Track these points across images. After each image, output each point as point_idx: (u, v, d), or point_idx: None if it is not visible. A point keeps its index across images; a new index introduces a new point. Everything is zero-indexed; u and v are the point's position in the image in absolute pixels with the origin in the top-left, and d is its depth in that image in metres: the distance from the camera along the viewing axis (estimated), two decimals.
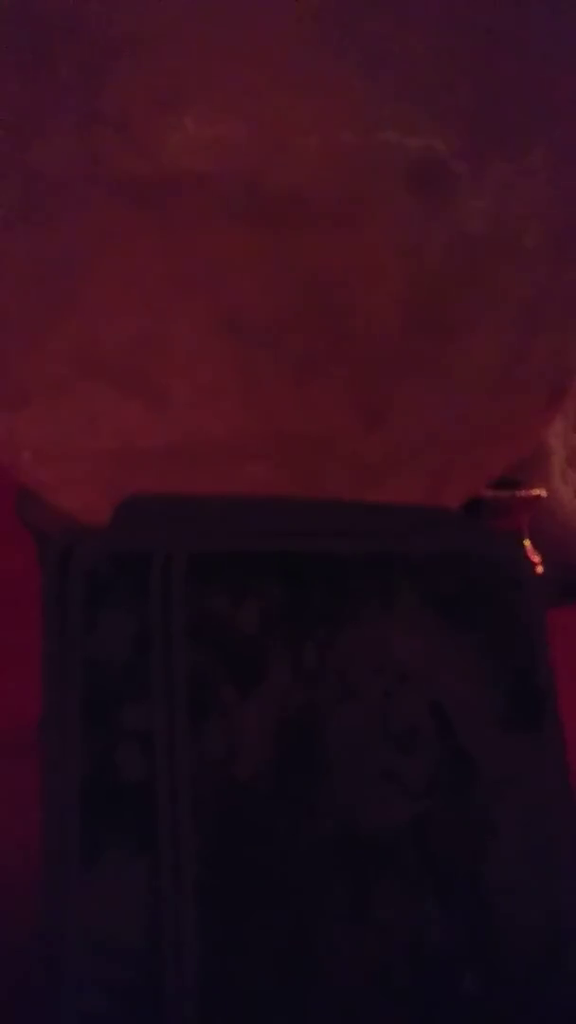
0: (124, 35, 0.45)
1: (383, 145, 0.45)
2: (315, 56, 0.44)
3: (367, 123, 0.45)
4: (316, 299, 0.47)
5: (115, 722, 0.39)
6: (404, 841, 0.41)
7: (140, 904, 0.38)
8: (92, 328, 0.48)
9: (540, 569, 0.67)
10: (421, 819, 0.41)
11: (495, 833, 0.42)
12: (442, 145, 0.46)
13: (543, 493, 0.81)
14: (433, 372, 0.50)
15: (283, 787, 0.40)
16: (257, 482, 0.49)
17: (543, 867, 0.42)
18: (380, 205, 0.46)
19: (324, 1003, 0.38)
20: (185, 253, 0.46)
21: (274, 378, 0.48)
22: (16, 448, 0.53)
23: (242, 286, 0.46)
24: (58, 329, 0.48)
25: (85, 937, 0.37)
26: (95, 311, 0.47)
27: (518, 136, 0.48)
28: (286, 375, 0.48)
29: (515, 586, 0.45)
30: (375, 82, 0.45)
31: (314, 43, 0.44)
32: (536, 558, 0.74)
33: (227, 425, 0.48)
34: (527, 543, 0.75)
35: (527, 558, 0.48)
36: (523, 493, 0.78)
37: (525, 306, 0.51)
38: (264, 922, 0.38)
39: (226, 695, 0.40)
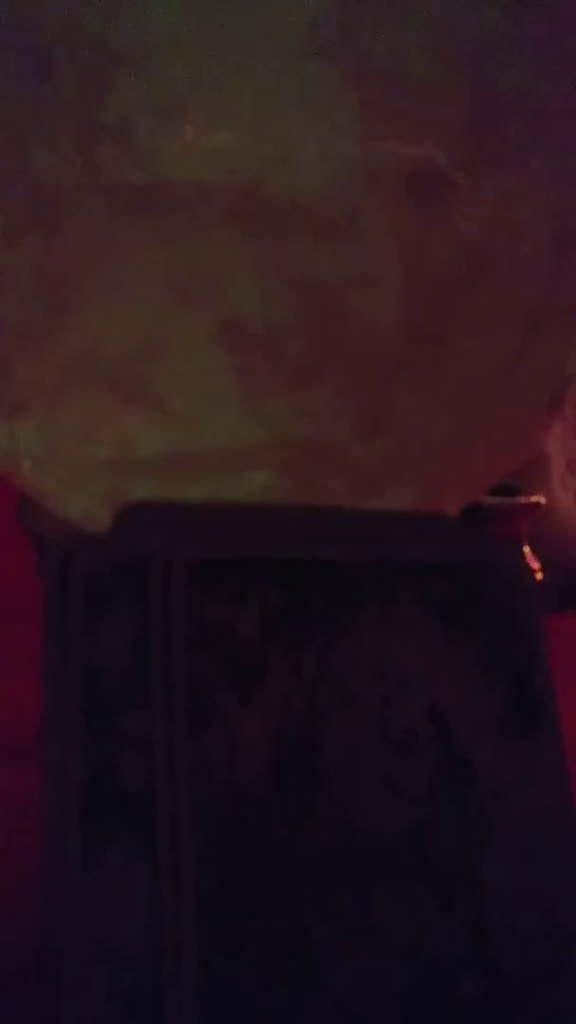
0: (124, 45, 0.45)
1: (382, 154, 0.45)
2: (314, 66, 0.45)
3: (366, 132, 0.45)
4: (315, 307, 0.47)
5: (115, 728, 0.39)
6: (403, 846, 0.41)
7: (140, 909, 0.38)
8: (92, 336, 0.48)
9: (539, 575, 0.67)
10: (420, 824, 0.41)
11: (494, 838, 0.42)
12: (440, 154, 0.46)
13: (542, 499, 0.81)
14: (432, 379, 0.50)
15: (283, 793, 0.40)
16: (256, 489, 0.49)
17: (541, 872, 0.42)
18: (379, 214, 0.46)
19: (324, 1007, 0.38)
20: (185, 262, 0.46)
21: (273, 386, 0.48)
22: (16, 456, 0.53)
23: (241, 294, 0.46)
24: (58, 337, 0.48)
25: (85, 942, 0.37)
26: (95, 319, 0.47)
27: (516, 145, 0.48)
28: (285, 383, 0.48)
29: (514, 592, 0.45)
30: (374, 92, 0.45)
31: (313, 53, 0.45)
32: (535, 564, 0.74)
33: (226, 432, 0.49)
34: (526, 549, 0.75)
35: (526, 564, 0.49)
36: (522, 499, 0.78)
37: (523, 313, 0.51)
38: (264, 927, 0.39)
39: (226, 701, 0.40)
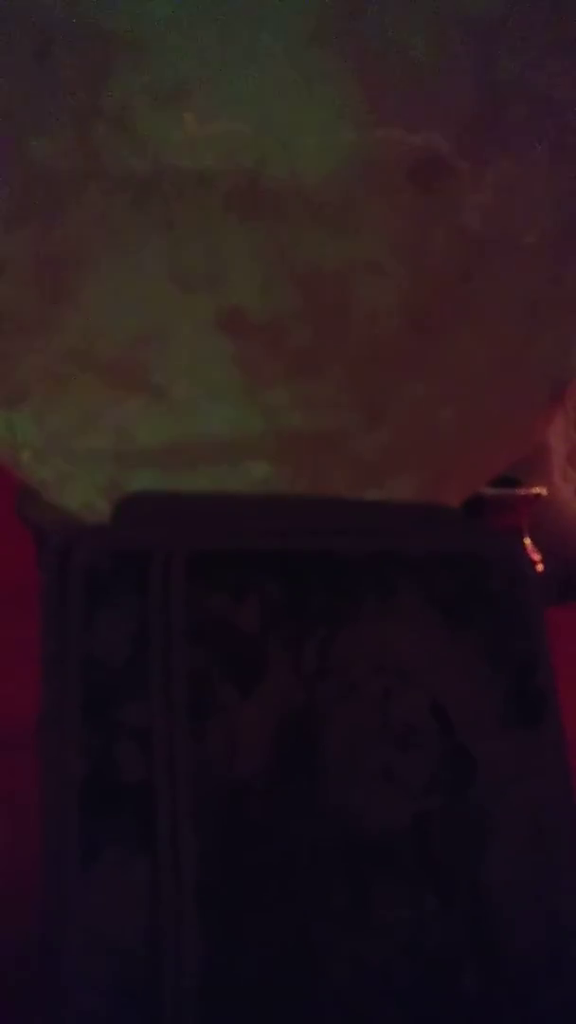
0: (123, 32, 0.44)
1: (384, 142, 0.45)
2: (316, 53, 0.44)
3: (368, 120, 0.45)
4: (316, 296, 0.47)
5: (114, 721, 0.39)
6: (404, 840, 0.41)
7: (140, 904, 0.37)
8: (92, 325, 0.48)
9: (540, 567, 0.67)
10: (421, 818, 0.41)
11: (495, 832, 0.42)
12: (443, 142, 0.46)
13: (543, 491, 0.81)
14: (433, 370, 0.50)
15: (283, 786, 0.40)
16: (257, 480, 0.49)
17: (543, 866, 0.42)
18: (380, 202, 0.46)
19: (324, 1003, 0.38)
20: (185, 250, 0.46)
21: (274, 376, 0.48)
22: (16, 446, 0.53)
23: (242, 283, 0.46)
24: (57, 326, 0.48)
25: (85, 937, 0.37)
26: (95, 308, 0.47)
27: (519, 134, 0.47)
28: (286, 372, 0.48)
29: (515, 584, 0.45)
30: (376, 79, 0.45)
31: (315, 40, 0.44)
32: (536, 556, 0.74)
33: (227, 423, 0.48)
34: (527, 541, 0.75)
35: (527, 556, 0.48)
36: (523, 491, 0.78)
37: (526, 303, 0.51)
38: (264, 922, 0.38)
39: (226, 694, 0.40)
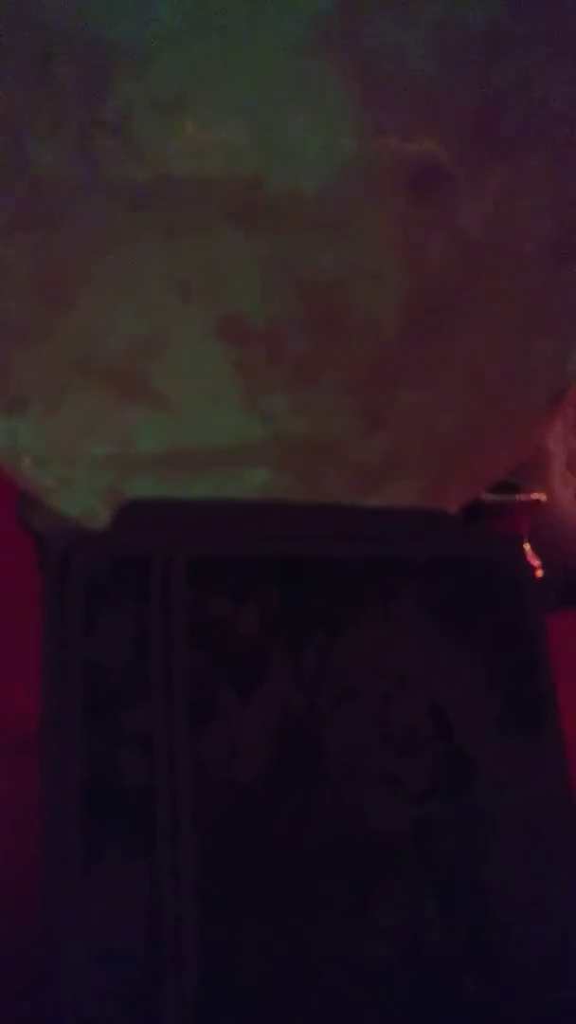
0: (124, 41, 0.45)
1: (383, 150, 0.45)
2: (315, 62, 0.45)
3: (367, 128, 0.45)
4: (315, 303, 0.47)
5: (115, 725, 0.39)
6: (404, 844, 0.41)
7: (140, 907, 0.38)
8: (92, 333, 0.48)
9: (540, 572, 0.67)
10: (421, 822, 0.41)
11: (495, 835, 0.42)
12: (442, 150, 0.46)
13: (543, 497, 0.82)
14: (432, 376, 0.50)
15: (283, 790, 0.40)
16: (257, 487, 0.49)
17: (543, 869, 0.42)
18: (379, 209, 0.46)
19: (324, 1006, 0.38)
20: (185, 258, 0.46)
21: (274, 383, 0.48)
22: (17, 452, 0.53)
23: (242, 291, 0.46)
24: (58, 333, 0.48)
25: (85, 941, 0.37)
26: (95, 316, 0.47)
27: (518, 142, 0.48)
28: (286, 379, 0.48)
29: (514, 589, 0.45)
30: (375, 87, 0.45)
31: (314, 49, 0.44)
32: (536, 561, 0.74)
33: (226, 429, 0.49)
34: (527, 546, 0.75)
35: (526, 561, 0.48)
36: (523, 497, 0.78)
37: (524, 310, 0.51)
38: (264, 925, 0.38)
39: (226, 698, 0.40)
